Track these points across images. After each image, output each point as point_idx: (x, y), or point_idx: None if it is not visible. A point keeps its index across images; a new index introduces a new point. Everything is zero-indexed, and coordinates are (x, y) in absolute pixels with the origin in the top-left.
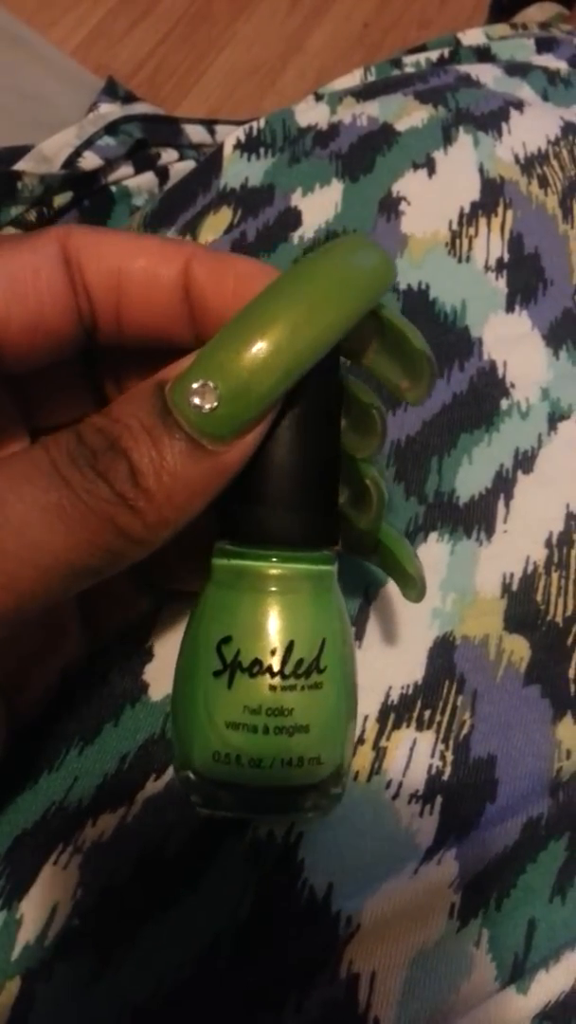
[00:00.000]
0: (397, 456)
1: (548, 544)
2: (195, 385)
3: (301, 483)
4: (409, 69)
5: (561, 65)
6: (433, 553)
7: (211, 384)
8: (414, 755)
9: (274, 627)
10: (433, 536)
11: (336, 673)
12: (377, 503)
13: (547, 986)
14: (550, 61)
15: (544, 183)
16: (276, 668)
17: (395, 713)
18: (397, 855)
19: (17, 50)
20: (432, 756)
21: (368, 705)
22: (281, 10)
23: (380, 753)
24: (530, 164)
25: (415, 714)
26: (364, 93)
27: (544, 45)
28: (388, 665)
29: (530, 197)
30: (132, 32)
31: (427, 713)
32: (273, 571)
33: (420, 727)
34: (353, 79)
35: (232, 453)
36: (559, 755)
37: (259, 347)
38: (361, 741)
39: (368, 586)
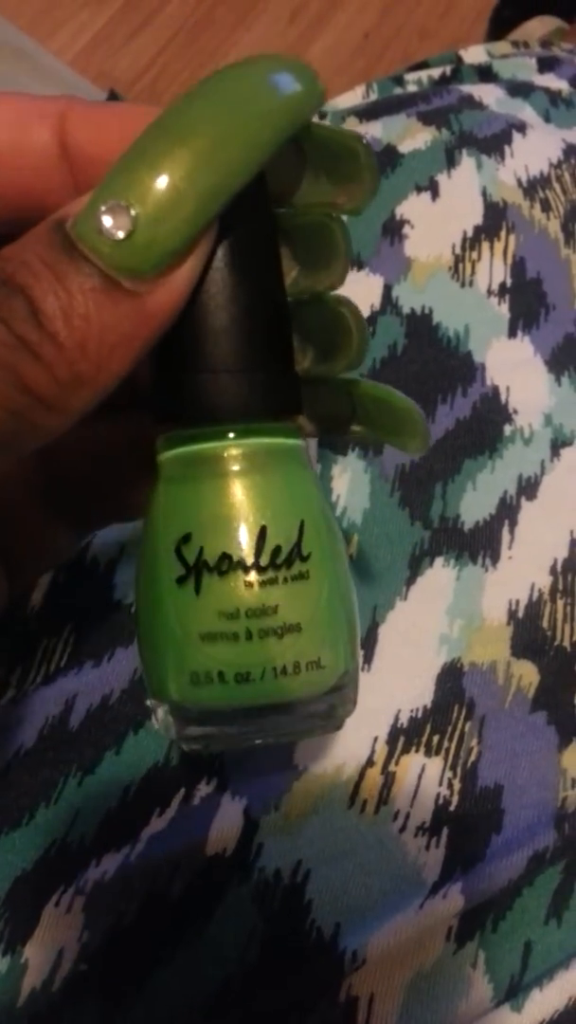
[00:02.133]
0: (402, 481)
1: (553, 571)
2: (104, 207)
3: (247, 339)
4: (411, 87)
5: (563, 85)
6: (440, 578)
7: (124, 204)
8: (422, 783)
9: (240, 513)
10: (439, 561)
11: (323, 560)
12: (357, 332)
13: (541, 1005)
14: (551, 81)
15: (546, 207)
16: (250, 561)
17: (404, 736)
18: (404, 891)
19: (17, 61)
20: (440, 784)
21: (378, 727)
22: (282, 19)
23: (389, 778)
24: (532, 188)
25: (424, 739)
26: (367, 113)
27: (546, 64)
28: (397, 688)
29: (532, 221)
30: (133, 40)
31: (436, 738)
32: (231, 450)
33: (429, 753)
34: (355, 96)
35: (159, 294)
36: (564, 784)
37: (182, 157)
38: (371, 764)
39: (377, 608)
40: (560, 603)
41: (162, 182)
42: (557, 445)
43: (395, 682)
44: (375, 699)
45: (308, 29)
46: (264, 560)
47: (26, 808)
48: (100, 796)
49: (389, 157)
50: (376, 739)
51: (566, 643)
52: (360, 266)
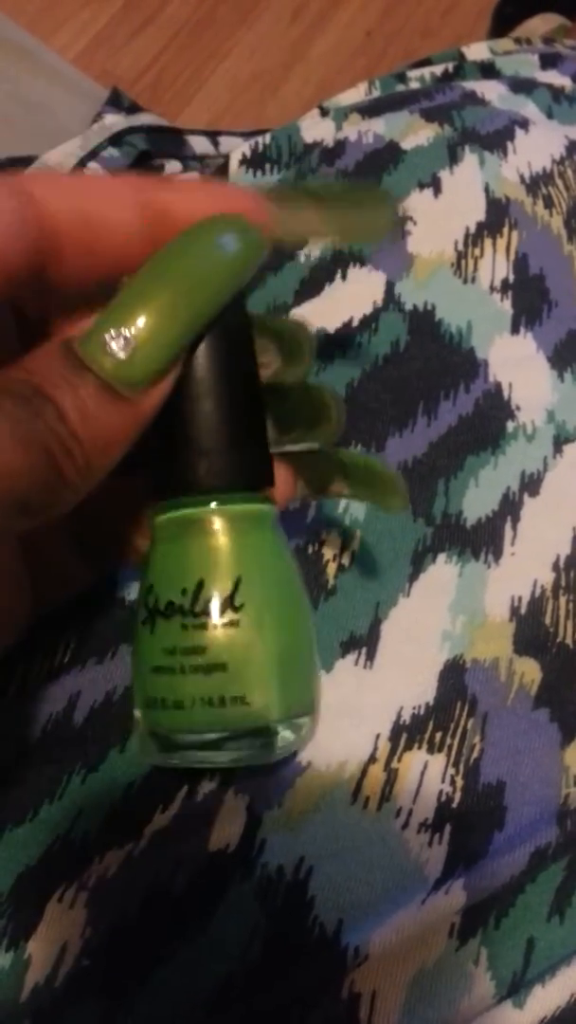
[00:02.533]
0: (404, 476)
1: (555, 567)
2: (111, 334)
3: (224, 424)
4: (414, 84)
5: (566, 82)
6: (442, 575)
7: (123, 332)
8: (424, 780)
9: (183, 569)
10: (442, 557)
11: (258, 611)
12: (335, 412)
13: (543, 1001)
14: (554, 77)
15: (549, 203)
16: (187, 607)
17: (407, 733)
18: (406, 888)
19: (21, 60)
20: (443, 781)
21: (380, 724)
22: (284, 18)
23: (391, 775)
24: (535, 184)
25: (426, 736)
26: (370, 109)
27: (548, 61)
28: (400, 685)
29: (535, 217)
30: (135, 39)
31: (438, 735)
32: (183, 515)
33: (431, 750)
34: (358, 93)
35: (149, 398)
36: (567, 781)
37: (161, 301)
38: (373, 760)
39: (380, 604)
40: (563, 599)
41: (150, 317)
42: (560, 441)
43: (397, 679)
44: (377, 696)
45: (310, 28)
46: (198, 607)
47: (30, 805)
48: (104, 793)
49: (392, 154)
50: (379, 736)
51: (568, 640)
52: (362, 263)
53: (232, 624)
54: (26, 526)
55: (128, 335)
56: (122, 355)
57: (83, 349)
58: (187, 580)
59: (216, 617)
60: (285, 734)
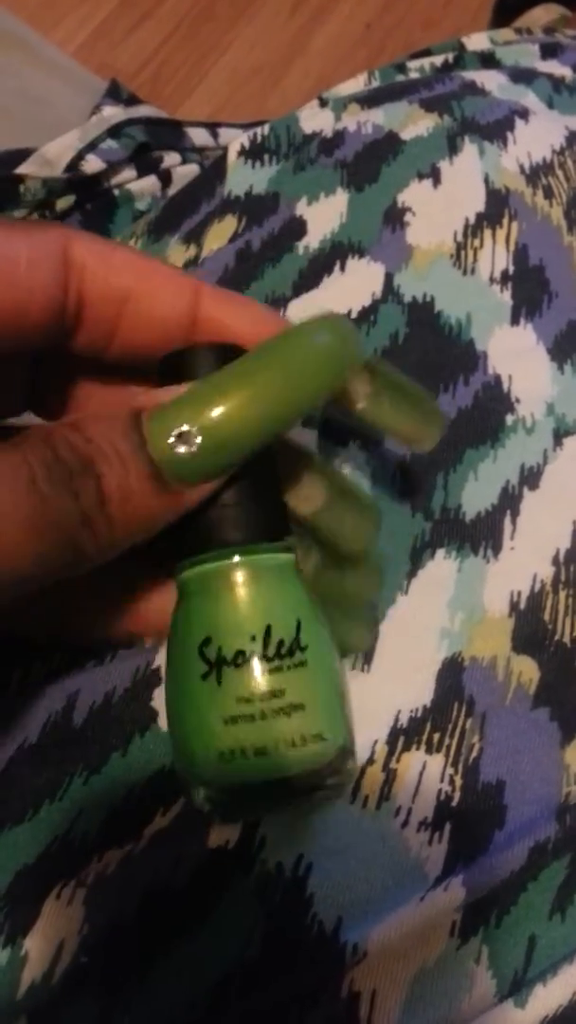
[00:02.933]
0: (402, 472)
1: (555, 562)
2: (177, 430)
3: (245, 488)
4: (414, 74)
5: (566, 72)
6: (441, 570)
7: (194, 432)
8: (423, 779)
9: (250, 616)
10: (440, 553)
11: (317, 650)
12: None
13: (545, 1000)
14: (555, 67)
15: (549, 194)
16: (260, 653)
17: (404, 736)
18: (405, 885)
19: (19, 52)
20: (442, 781)
21: (377, 729)
22: (284, 11)
23: (390, 775)
24: (535, 175)
25: (424, 737)
26: (369, 99)
27: (549, 51)
28: (397, 689)
29: (535, 208)
30: (134, 33)
31: (436, 736)
32: (238, 567)
33: (430, 750)
34: (357, 84)
35: (194, 495)
36: (567, 780)
37: (245, 409)
38: (371, 762)
39: (377, 607)
40: (562, 594)
41: (228, 421)
42: (559, 434)
43: (395, 681)
44: (374, 702)
45: (309, 20)
46: (271, 651)
47: (30, 805)
48: (105, 795)
49: (391, 144)
50: (376, 742)
51: (566, 639)
52: (361, 254)
53: (301, 664)
54: (25, 590)
55: (198, 431)
56: (187, 450)
57: (151, 428)
58: (254, 626)
59: (288, 659)
60: (352, 765)
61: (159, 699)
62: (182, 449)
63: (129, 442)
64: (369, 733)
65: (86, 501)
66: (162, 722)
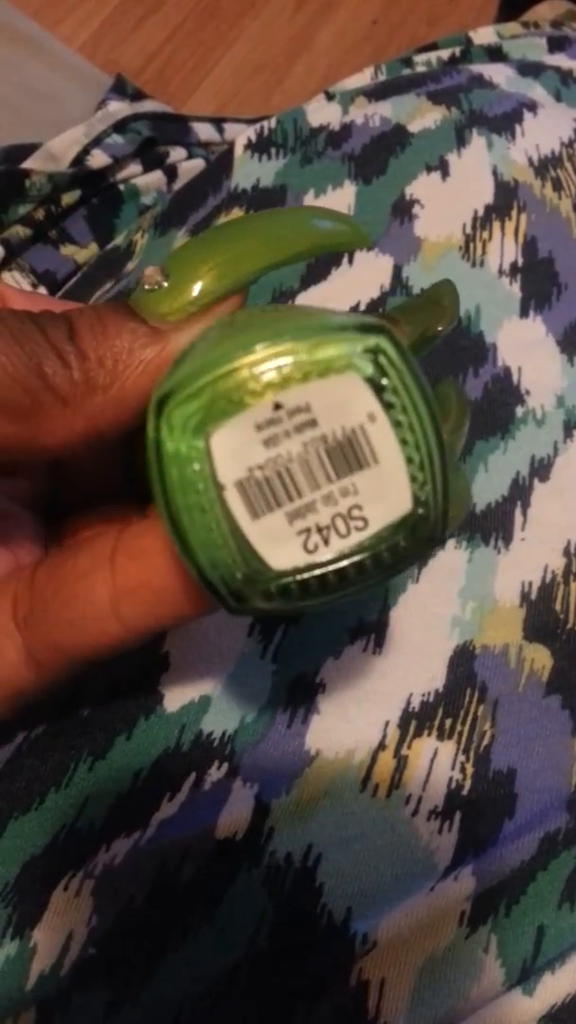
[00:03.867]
0: None
1: (566, 553)
2: (148, 270)
3: None
4: (420, 68)
5: (574, 65)
6: (452, 560)
7: (163, 268)
8: (434, 767)
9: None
10: (451, 543)
11: None
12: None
13: (553, 988)
14: (562, 61)
15: (558, 186)
16: None
17: (416, 720)
18: (415, 875)
19: (25, 47)
20: (453, 768)
21: (389, 710)
22: (289, 7)
23: (401, 762)
24: (544, 167)
25: (436, 723)
26: (376, 93)
27: (556, 44)
28: (409, 672)
29: (544, 200)
30: (140, 28)
31: (448, 722)
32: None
33: (441, 736)
34: (364, 78)
35: (172, 339)
36: None
37: (207, 246)
38: (383, 747)
39: (389, 590)
40: (573, 585)
41: (186, 254)
42: (570, 426)
43: (407, 665)
44: (387, 682)
45: (315, 16)
46: None
47: (36, 793)
48: (111, 781)
49: (398, 137)
50: (388, 723)
51: None
52: (369, 247)
53: None
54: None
55: (173, 272)
56: (160, 285)
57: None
58: None
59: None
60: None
61: (165, 683)
62: (154, 285)
63: (107, 304)
64: (381, 714)
65: (54, 335)
66: (167, 704)
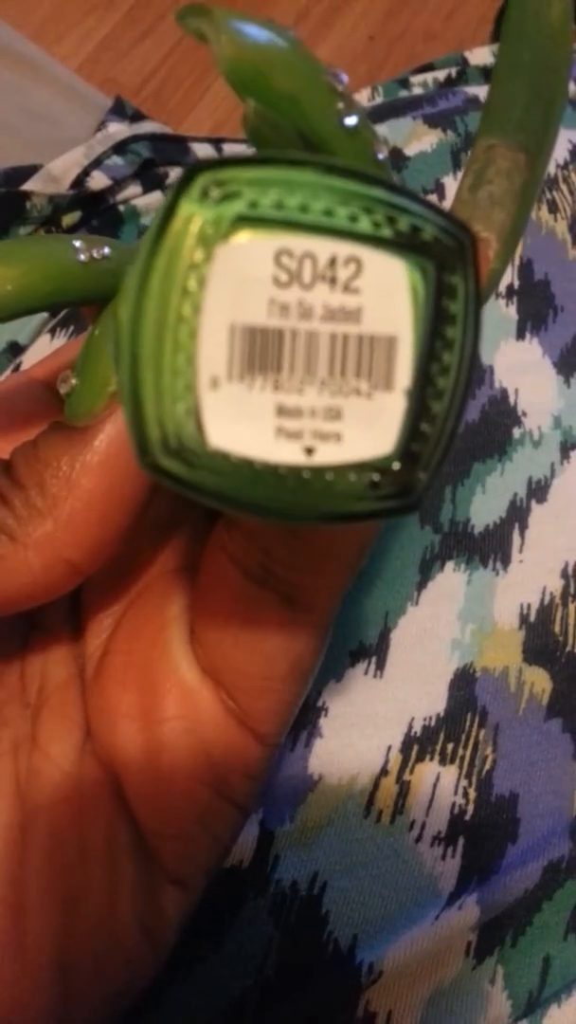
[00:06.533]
0: None
1: (564, 574)
2: (62, 377)
3: None
4: (417, 89)
5: (569, 87)
6: (450, 582)
7: (72, 374)
8: (437, 792)
9: None
10: (450, 565)
11: None
12: None
13: (559, 1021)
14: None
15: (553, 208)
16: None
17: (418, 744)
18: (420, 902)
19: (25, 69)
20: (455, 793)
21: (391, 735)
22: (287, 23)
23: (404, 788)
24: (539, 189)
25: (438, 747)
26: (372, 115)
27: None
28: (410, 695)
29: (540, 222)
30: (138, 46)
31: (450, 746)
32: None
33: (443, 761)
34: (360, 99)
35: (102, 431)
36: None
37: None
38: (385, 773)
39: (388, 613)
40: (572, 607)
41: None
42: (567, 447)
43: (408, 688)
44: (388, 706)
45: (312, 33)
46: None
47: None
48: None
49: (395, 160)
50: (390, 748)
51: None
52: None
53: None
54: None
55: (81, 370)
56: (72, 387)
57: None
58: None
59: None
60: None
61: None
62: (69, 387)
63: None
64: (383, 738)
65: None
66: None
